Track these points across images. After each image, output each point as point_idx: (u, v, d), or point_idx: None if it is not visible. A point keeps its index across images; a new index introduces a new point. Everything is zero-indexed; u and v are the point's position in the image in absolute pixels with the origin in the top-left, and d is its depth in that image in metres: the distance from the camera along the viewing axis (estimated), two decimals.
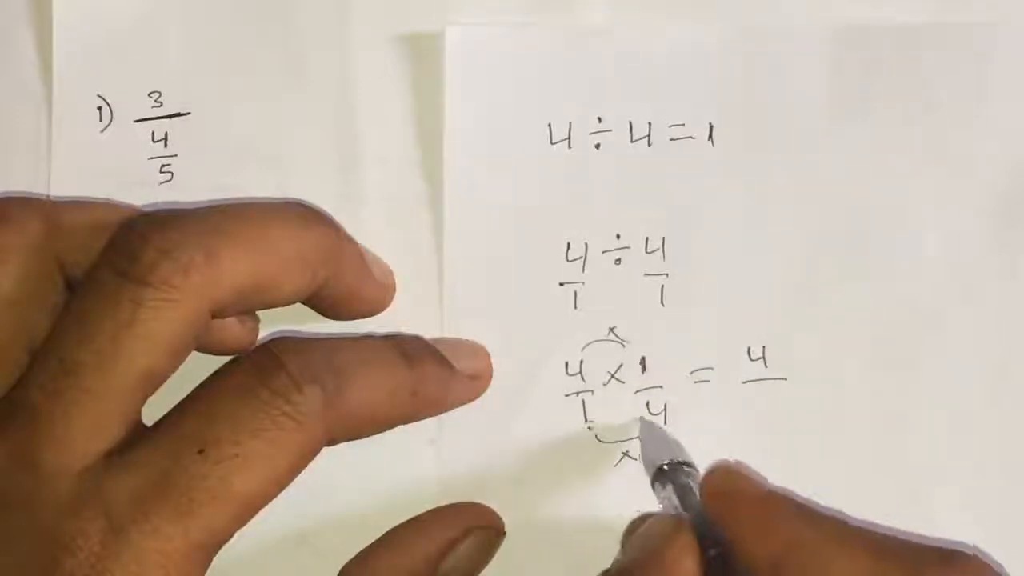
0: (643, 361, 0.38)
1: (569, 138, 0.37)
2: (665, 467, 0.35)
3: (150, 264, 0.30)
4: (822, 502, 0.33)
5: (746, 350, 0.38)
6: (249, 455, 0.30)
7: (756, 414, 0.37)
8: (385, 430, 0.33)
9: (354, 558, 0.35)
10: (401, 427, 0.34)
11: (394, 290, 0.37)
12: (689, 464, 0.35)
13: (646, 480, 0.37)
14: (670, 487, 0.35)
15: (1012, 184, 0.38)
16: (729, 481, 0.33)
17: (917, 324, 0.38)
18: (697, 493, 0.34)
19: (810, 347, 0.38)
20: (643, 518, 0.35)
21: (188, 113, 0.38)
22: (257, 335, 0.36)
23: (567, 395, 0.37)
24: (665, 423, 0.37)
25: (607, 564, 0.37)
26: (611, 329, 0.38)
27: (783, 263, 0.38)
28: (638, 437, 0.37)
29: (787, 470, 0.36)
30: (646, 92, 0.38)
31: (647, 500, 0.37)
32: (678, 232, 0.38)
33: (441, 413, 0.36)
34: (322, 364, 0.31)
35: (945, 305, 0.38)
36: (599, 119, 0.38)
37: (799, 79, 0.38)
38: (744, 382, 0.38)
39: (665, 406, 0.37)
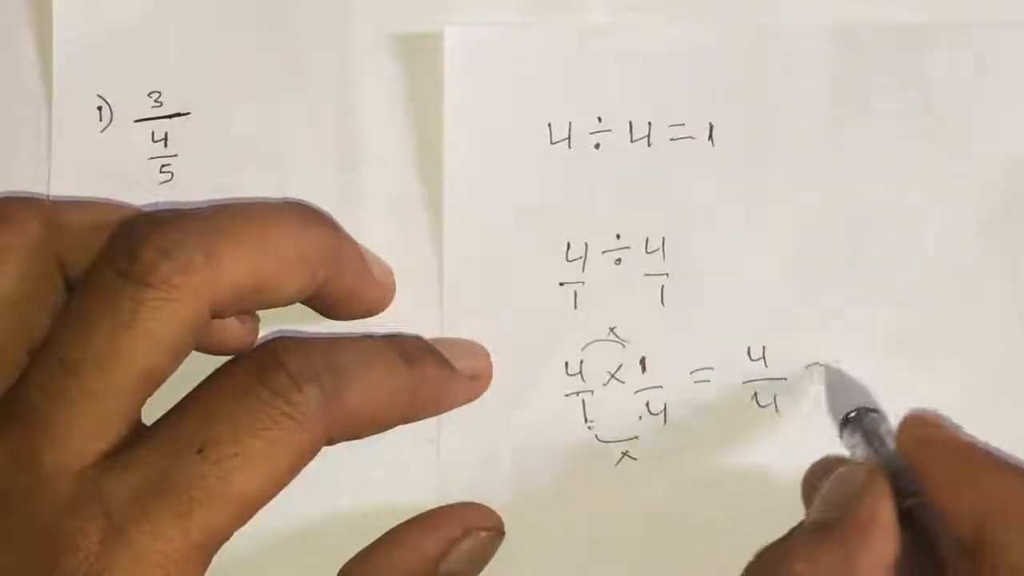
0: (643, 361, 0.38)
1: (569, 138, 0.37)
2: (853, 414, 0.35)
3: (150, 264, 0.30)
4: None
5: (746, 350, 0.38)
6: (249, 455, 0.30)
7: (756, 414, 0.37)
8: (385, 430, 0.33)
9: (354, 558, 0.35)
10: (401, 427, 0.34)
11: (394, 290, 0.37)
12: (877, 411, 0.35)
13: (646, 479, 0.37)
14: (859, 435, 0.34)
15: (1012, 184, 0.38)
16: (929, 428, 0.33)
17: (917, 324, 0.38)
18: (887, 441, 0.34)
19: (810, 347, 0.38)
20: (827, 464, 0.35)
21: (188, 113, 0.38)
22: (257, 335, 0.36)
23: (567, 395, 0.37)
24: (665, 423, 0.37)
25: (607, 564, 0.37)
26: (611, 329, 0.38)
27: (783, 263, 0.38)
28: (824, 384, 0.37)
29: (787, 470, 0.36)
30: (646, 92, 0.38)
31: (647, 500, 0.37)
32: (678, 232, 0.38)
33: (441, 413, 0.36)
34: (322, 364, 0.31)
35: (945, 305, 0.38)
36: (599, 119, 0.38)
37: (799, 79, 0.38)
38: (744, 382, 0.37)
39: (665, 406, 0.37)
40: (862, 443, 0.34)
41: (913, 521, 0.31)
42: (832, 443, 0.36)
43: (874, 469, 0.33)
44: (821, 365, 0.37)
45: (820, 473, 0.34)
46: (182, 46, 0.38)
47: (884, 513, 0.31)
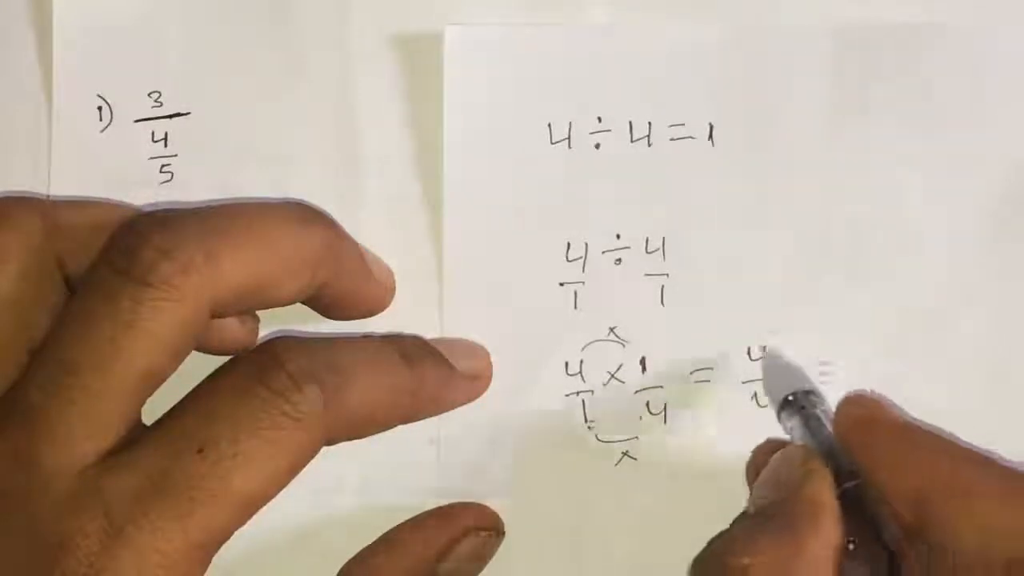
0: (643, 361, 0.38)
1: (569, 138, 0.38)
2: (791, 397, 0.35)
3: (150, 264, 0.30)
4: None
5: (746, 350, 0.38)
6: (248, 454, 0.30)
7: (756, 414, 0.37)
8: (384, 430, 0.33)
9: (354, 558, 0.35)
10: (401, 427, 0.34)
11: (394, 290, 0.37)
12: (815, 393, 0.35)
13: (647, 480, 0.37)
14: (797, 418, 0.34)
15: (1012, 184, 0.38)
16: (866, 409, 0.33)
17: (917, 324, 0.38)
18: (825, 422, 0.33)
19: (810, 347, 0.37)
20: (769, 447, 0.34)
21: (188, 113, 0.38)
22: (257, 335, 0.36)
23: (567, 395, 0.37)
24: (665, 423, 0.37)
25: (607, 564, 0.37)
26: (611, 329, 0.38)
27: (783, 263, 0.38)
28: (761, 367, 0.37)
29: None
30: (646, 92, 0.38)
31: (647, 500, 0.37)
32: (678, 232, 0.38)
33: (441, 413, 0.36)
34: (322, 364, 0.31)
35: (945, 305, 0.38)
36: (599, 119, 0.38)
37: (799, 79, 0.38)
38: (744, 382, 0.37)
39: (665, 406, 0.37)
40: (800, 426, 0.34)
41: (851, 503, 0.31)
42: None
43: (811, 453, 0.32)
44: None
45: (763, 455, 0.34)
46: (182, 46, 0.38)
47: (826, 497, 0.31)
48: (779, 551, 0.30)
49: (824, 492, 0.31)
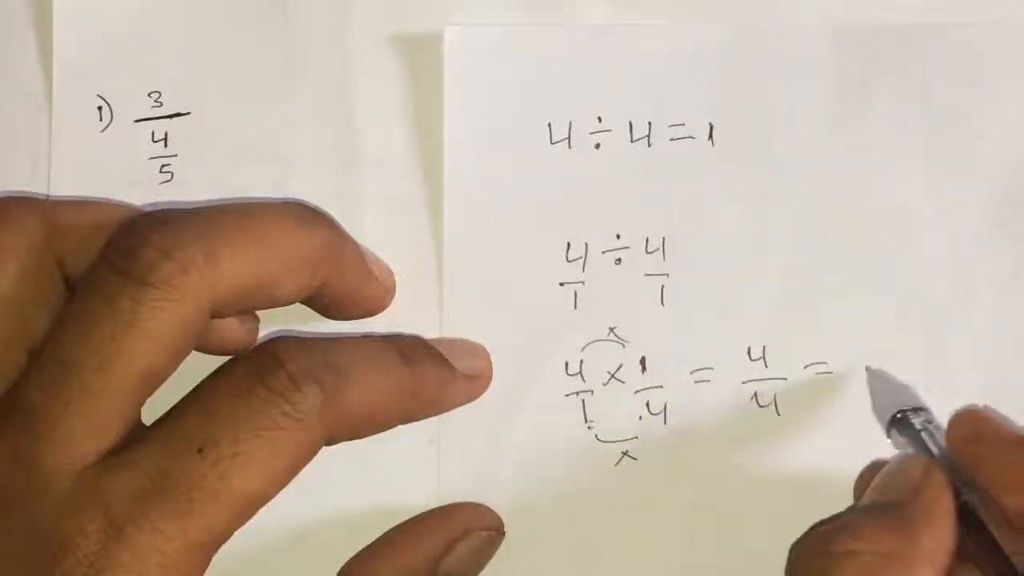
0: (643, 361, 0.38)
1: (569, 138, 0.38)
2: (900, 415, 0.35)
3: (150, 264, 0.30)
4: (821, 502, 0.33)
5: (746, 350, 0.38)
6: (248, 454, 0.30)
7: (756, 414, 0.37)
8: (384, 430, 0.33)
9: (354, 558, 0.35)
10: (401, 427, 0.34)
11: (394, 290, 0.37)
12: (924, 410, 0.35)
13: (646, 479, 0.37)
14: (907, 435, 0.34)
15: (1012, 184, 0.38)
16: (980, 424, 0.32)
17: (917, 324, 0.38)
18: (937, 438, 0.33)
19: (810, 347, 0.37)
20: (877, 465, 0.34)
21: (188, 113, 0.38)
22: (257, 335, 0.36)
23: (567, 395, 0.37)
24: (665, 423, 0.37)
25: (607, 564, 0.37)
26: (611, 329, 0.38)
27: (783, 263, 0.38)
28: (868, 386, 0.37)
29: (787, 469, 0.36)
30: (646, 92, 0.38)
31: (647, 500, 0.37)
32: (678, 232, 0.38)
33: (441, 413, 0.36)
34: (321, 364, 0.31)
35: (945, 305, 0.38)
36: (599, 119, 0.38)
37: (799, 79, 0.38)
38: (744, 382, 0.37)
39: (665, 406, 0.37)
40: (911, 443, 0.34)
41: (966, 517, 0.31)
42: (832, 443, 0.36)
43: (929, 461, 0.32)
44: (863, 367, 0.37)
45: (872, 472, 0.34)
46: (182, 46, 0.38)
47: (945, 499, 0.31)
48: (891, 541, 0.29)
49: (944, 494, 0.31)
